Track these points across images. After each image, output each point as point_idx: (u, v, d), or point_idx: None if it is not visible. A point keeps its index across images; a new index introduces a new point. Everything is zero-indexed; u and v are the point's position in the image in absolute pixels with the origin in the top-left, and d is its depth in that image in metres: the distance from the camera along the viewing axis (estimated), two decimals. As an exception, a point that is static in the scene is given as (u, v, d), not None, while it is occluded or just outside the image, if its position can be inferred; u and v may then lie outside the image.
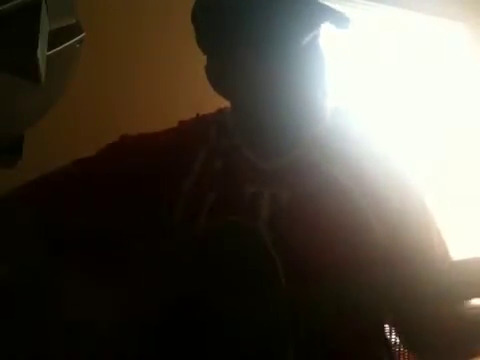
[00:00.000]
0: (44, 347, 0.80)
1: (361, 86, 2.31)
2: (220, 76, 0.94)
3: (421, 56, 2.45)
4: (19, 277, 0.86)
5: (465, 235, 2.16)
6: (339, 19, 0.88)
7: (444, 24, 2.46)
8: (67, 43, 0.91)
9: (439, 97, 2.46)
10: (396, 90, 2.38)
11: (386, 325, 1.00)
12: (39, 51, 0.76)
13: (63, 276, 0.85)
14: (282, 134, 0.94)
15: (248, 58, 0.88)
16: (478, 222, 2.30)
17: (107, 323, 0.81)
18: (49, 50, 0.83)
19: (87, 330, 0.80)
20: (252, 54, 0.88)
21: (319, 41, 0.91)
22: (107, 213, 0.93)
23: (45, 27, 0.79)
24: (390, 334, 1.03)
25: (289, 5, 0.86)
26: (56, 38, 0.86)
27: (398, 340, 1.04)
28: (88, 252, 0.86)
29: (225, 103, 1.03)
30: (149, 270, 0.84)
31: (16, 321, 0.82)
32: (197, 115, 1.03)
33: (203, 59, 0.99)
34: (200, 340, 0.80)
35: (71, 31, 0.92)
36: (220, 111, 1.03)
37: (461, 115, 2.46)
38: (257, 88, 0.90)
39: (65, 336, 0.80)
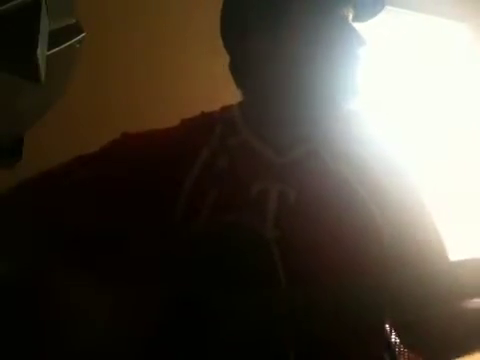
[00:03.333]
0: (43, 347, 0.80)
1: (361, 86, 2.30)
2: (248, 63, 0.93)
3: (422, 56, 2.44)
4: (18, 276, 0.86)
5: (465, 236, 2.16)
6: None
7: (446, 24, 2.46)
8: (67, 43, 0.91)
9: (440, 97, 2.46)
10: (397, 90, 2.38)
11: (386, 325, 1.00)
12: (39, 51, 0.76)
13: (63, 275, 0.85)
14: (300, 124, 0.94)
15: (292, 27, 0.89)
16: (478, 222, 2.30)
17: (107, 322, 0.81)
18: (49, 50, 0.83)
19: (87, 330, 0.80)
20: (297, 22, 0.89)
21: (354, 37, 0.91)
22: (108, 211, 0.93)
23: (45, 27, 0.79)
24: (390, 334, 1.03)
25: None
26: (56, 38, 0.86)
27: (398, 340, 1.04)
28: (88, 250, 0.86)
29: (227, 102, 1.02)
30: (149, 269, 0.84)
31: (15, 320, 0.82)
32: (201, 113, 1.02)
33: (204, 59, 0.99)
34: (200, 340, 0.79)
35: (71, 31, 0.93)
36: (225, 109, 1.02)
37: (462, 115, 2.46)
38: (289, 69, 0.90)
39: (64, 336, 0.80)
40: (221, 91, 1.02)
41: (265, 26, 0.91)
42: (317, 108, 0.92)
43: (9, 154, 1.00)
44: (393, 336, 1.03)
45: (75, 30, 0.94)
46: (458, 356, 0.90)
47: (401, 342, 1.03)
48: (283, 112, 0.94)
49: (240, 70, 0.97)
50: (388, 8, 2.31)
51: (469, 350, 0.87)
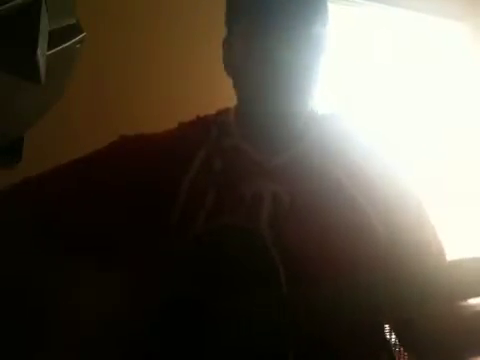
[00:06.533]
0: (41, 348, 0.80)
1: (360, 86, 2.31)
2: (240, 60, 0.93)
3: (421, 56, 2.45)
4: (15, 277, 0.86)
5: (463, 235, 2.16)
6: None
7: (444, 24, 2.46)
8: (67, 43, 0.91)
9: (439, 97, 2.47)
10: (395, 90, 2.38)
11: (385, 325, 1.00)
12: (39, 51, 0.76)
13: (60, 276, 0.85)
14: (290, 126, 0.94)
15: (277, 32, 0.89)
16: (476, 222, 2.30)
17: (106, 323, 0.81)
18: (49, 50, 0.83)
19: (85, 331, 0.80)
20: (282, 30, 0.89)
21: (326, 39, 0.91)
22: (105, 213, 0.93)
23: (45, 27, 0.79)
24: (390, 334, 1.03)
25: None
26: (56, 38, 0.86)
27: (397, 340, 1.05)
28: (86, 252, 0.86)
29: (223, 105, 1.03)
30: (147, 271, 0.84)
31: (12, 321, 0.82)
32: (197, 116, 1.03)
33: (203, 60, 0.99)
34: (199, 342, 0.79)
35: (71, 31, 0.93)
36: (220, 112, 1.03)
37: (461, 115, 2.47)
38: (278, 70, 0.90)
39: (62, 337, 0.80)
40: (219, 94, 1.02)
41: (244, 22, 0.92)
42: (285, 107, 0.92)
43: (9, 154, 1.00)
44: (392, 336, 1.03)
45: (75, 30, 0.94)
46: (457, 357, 0.90)
47: (400, 343, 1.03)
48: (266, 114, 0.94)
49: (227, 65, 0.98)
50: (387, 7, 2.32)
51: (467, 351, 0.87)
